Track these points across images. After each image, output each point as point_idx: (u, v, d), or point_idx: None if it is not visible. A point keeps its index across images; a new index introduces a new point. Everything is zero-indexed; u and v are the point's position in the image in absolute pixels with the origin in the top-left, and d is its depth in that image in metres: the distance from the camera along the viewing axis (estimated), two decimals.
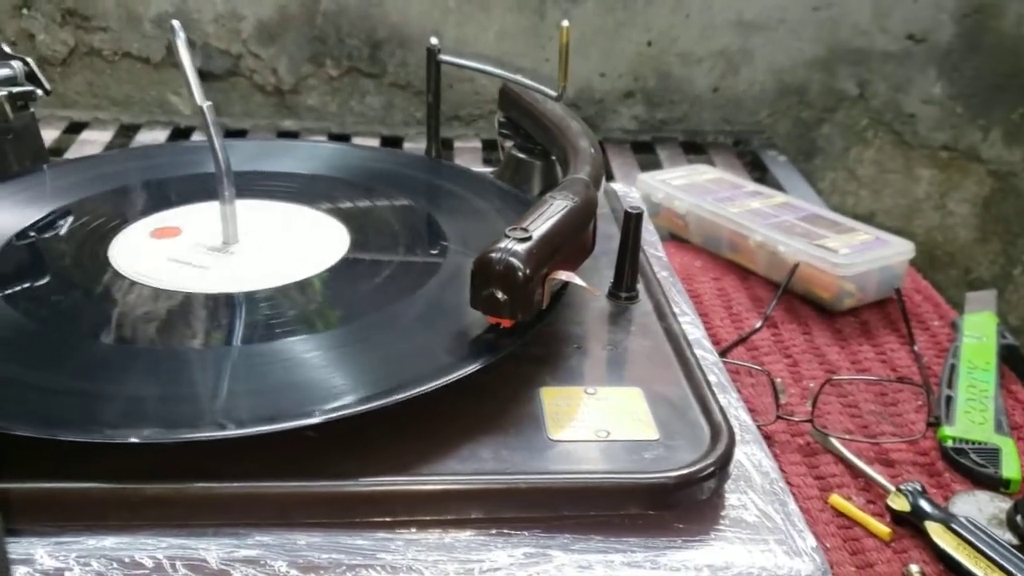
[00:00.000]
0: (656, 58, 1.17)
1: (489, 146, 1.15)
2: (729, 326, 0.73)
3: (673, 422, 0.43)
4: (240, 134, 1.13)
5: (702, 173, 0.91)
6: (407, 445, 0.40)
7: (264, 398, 0.41)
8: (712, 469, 0.40)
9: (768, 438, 0.59)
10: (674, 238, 0.88)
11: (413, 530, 0.38)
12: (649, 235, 0.67)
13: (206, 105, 0.51)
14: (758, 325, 0.71)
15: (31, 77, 0.62)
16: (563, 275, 0.43)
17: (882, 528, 0.52)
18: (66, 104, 1.15)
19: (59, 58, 1.13)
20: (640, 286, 0.55)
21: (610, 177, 1.06)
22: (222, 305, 0.47)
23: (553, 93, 0.57)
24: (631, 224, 0.52)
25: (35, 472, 0.37)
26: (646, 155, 1.15)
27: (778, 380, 0.60)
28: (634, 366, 0.48)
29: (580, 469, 0.39)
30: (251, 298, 0.48)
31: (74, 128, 1.11)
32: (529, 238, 0.43)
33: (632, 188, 0.75)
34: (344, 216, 0.57)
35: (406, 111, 1.17)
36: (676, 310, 0.56)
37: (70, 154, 1.03)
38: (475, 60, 0.64)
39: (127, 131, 1.11)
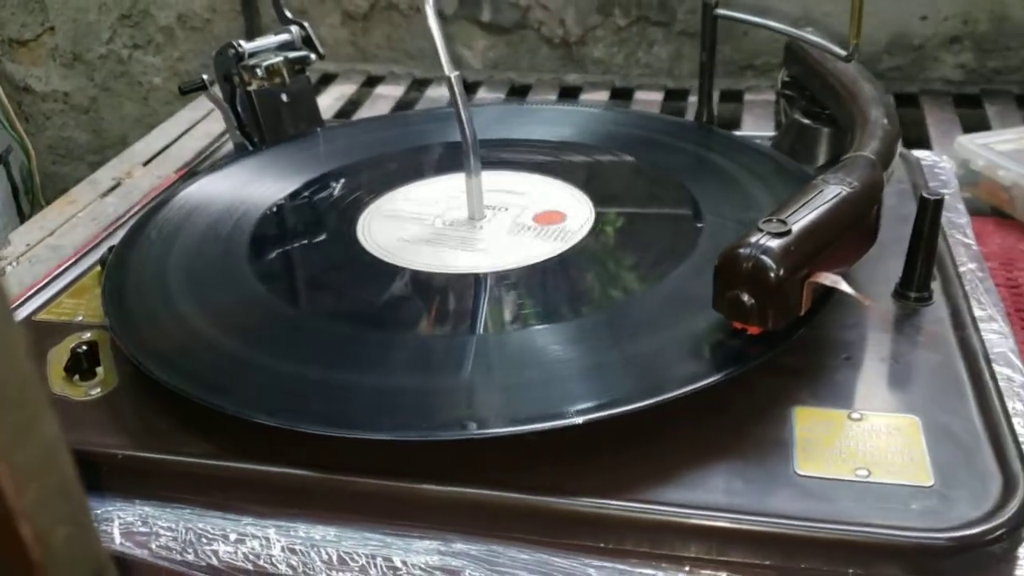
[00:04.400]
0: None
1: None
2: None
3: (955, 465, 0.35)
4: (525, 89, 1.12)
5: None
6: (627, 463, 0.36)
7: (486, 396, 0.38)
8: (1000, 532, 0.32)
9: None
10: (997, 213, 0.75)
11: (633, 560, 0.34)
12: (957, 216, 0.57)
13: (454, 76, 0.48)
14: None
15: (307, 42, 0.63)
16: (826, 279, 0.37)
17: None
18: (366, 58, 1.20)
19: (361, 13, 1.17)
20: (936, 284, 0.46)
21: (925, 139, 0.93)
22: (453, 287, 0.45)
23: (842, 52, 0.49)
24: (927, 213, 0.44)
25: (256, 455, 0.37)
26: (971, 110, 0.99)
27: None
28: (915, 388, 0.40)
29: (827, 516, 0.33)
30: (484, 281, 0.45)
31: (371, 82, 1.15)
32: (787, 232, 0.37)
33: (943, 157, 0.64)
34: (592, 191, 0.53)
35: (695, 61, 1.09)
36: (983, 314, 0.47)
37: (365, 107, 1.07)
38: (756, 14, 0.57)
39: (419, 85, 1.14)
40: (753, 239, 0.37)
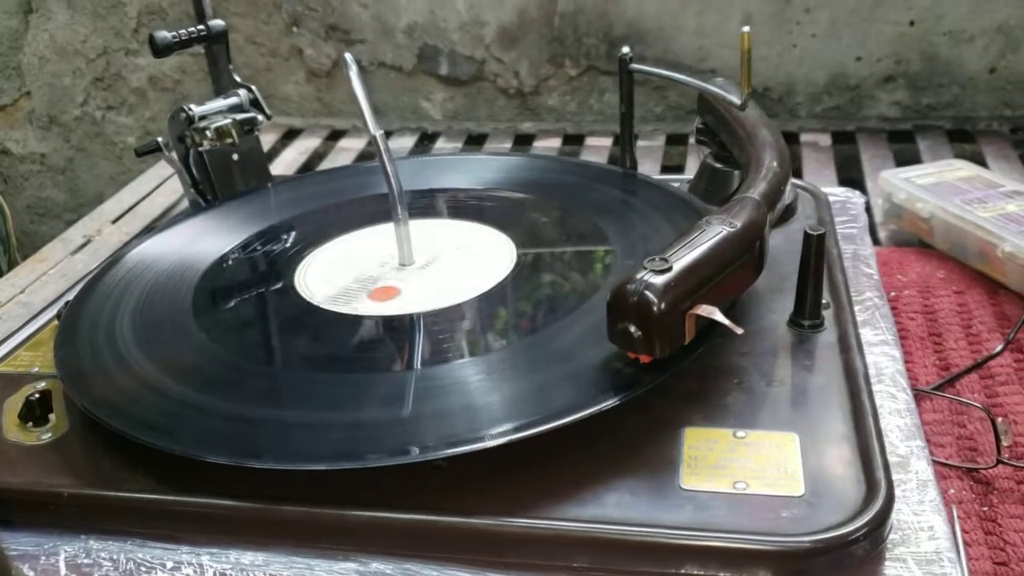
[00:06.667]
0: (920, 38, 1.06)
1: None
2: (965, 348, 0.64)
3: (825, 476, 0.39)
4: (482, 138, 1.16)
5: (955, 170, 0.81)
6: (530, 482, 0.39)
7: (408, 427, 0.41)
8: (858, 535, 0.36)
9: (986, 483, 0.52)
10: (922, 243, 0.79)
11: (531, 572, 0.37)
12: (862, 248, 0.61)
13: (379, 134, 0.52)
14: (998, 349, 0.62)
15: (255, 104, 0.68)
16: (704, 310, 0.40)
17: None
18: (331, 113, 1.24)
19: (324, 70, 1.22)
20: (829, 312, 0.50)
21: (858, 174, 0.98)
22: (379, 328, 0.49)
23: (737, 101, 0.53)
24: (811, 246, 0.47)
25: (191, 488, 0.41)
26: (905, 145, 1.04)
27: (1000, 419, 0.52)
28: (797, 407, 0.44)
29: (704, 525, 0.37)
30: (409, 321, 0.49)
31: (334, 136, 1.19)
32: (668, 269, 0.40)
33: (855, 193, 0.69)
34: (515, 234, 0.56)
35: (644, 107, 1.15)
36: (877, 339, 0.50)
37: (327, 160, 1.11)
38: (695, 63, 0.62)
39: None
40: (638, 276, 0.40)
